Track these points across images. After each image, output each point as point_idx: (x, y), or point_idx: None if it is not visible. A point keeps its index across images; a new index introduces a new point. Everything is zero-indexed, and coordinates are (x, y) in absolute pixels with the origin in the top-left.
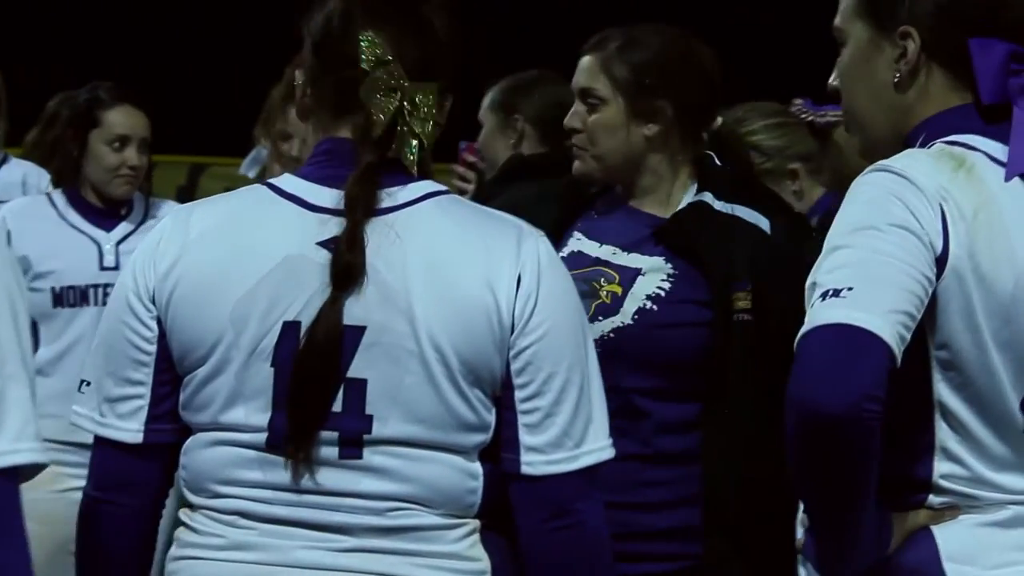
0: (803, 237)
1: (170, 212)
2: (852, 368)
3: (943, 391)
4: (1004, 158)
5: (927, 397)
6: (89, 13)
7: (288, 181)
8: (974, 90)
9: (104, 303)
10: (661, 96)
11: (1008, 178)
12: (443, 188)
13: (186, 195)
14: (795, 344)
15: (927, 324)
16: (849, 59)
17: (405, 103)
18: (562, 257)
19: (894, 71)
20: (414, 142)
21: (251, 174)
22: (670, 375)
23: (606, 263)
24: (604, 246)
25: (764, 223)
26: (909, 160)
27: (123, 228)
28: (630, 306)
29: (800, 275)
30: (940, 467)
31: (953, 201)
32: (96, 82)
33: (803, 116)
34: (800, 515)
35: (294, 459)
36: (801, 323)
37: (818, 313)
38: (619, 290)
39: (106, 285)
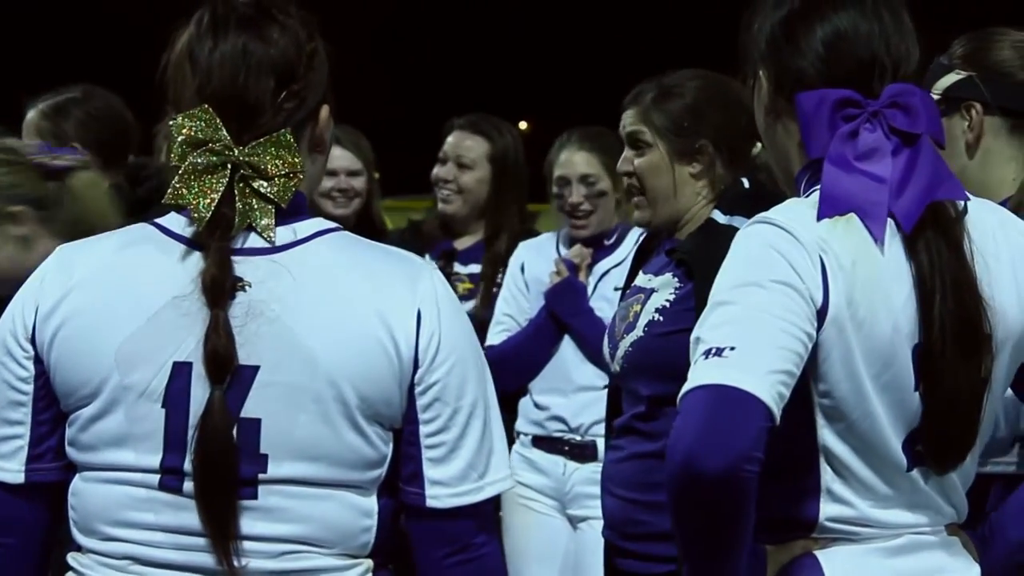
0: None
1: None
2: (731, 430)
3: (827, 436)
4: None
5: (812, 442)
6: None
7: (175, 221)
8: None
9: None
10: (701, 136)
11: (820, 217)
12: (333, 225)
13: None
14: (678, 400)
15: (810, 373)
16: (754, 98)
17: (243, 171)
18: (624, 292)
19: (763, 113)
20: (261, 206)
21: None
22: (681, 380)
23: (641, 289)
24: (645, 275)
25: None
26: (790, 212)
27: None
28: (643, 320)
29: None
30: (827, 509)
31: (832, 252)
32: None
33: (34, 159)
34: None
35: (219, 550)
36: None
37: (700, 372)
38: (639, 308)
39: None
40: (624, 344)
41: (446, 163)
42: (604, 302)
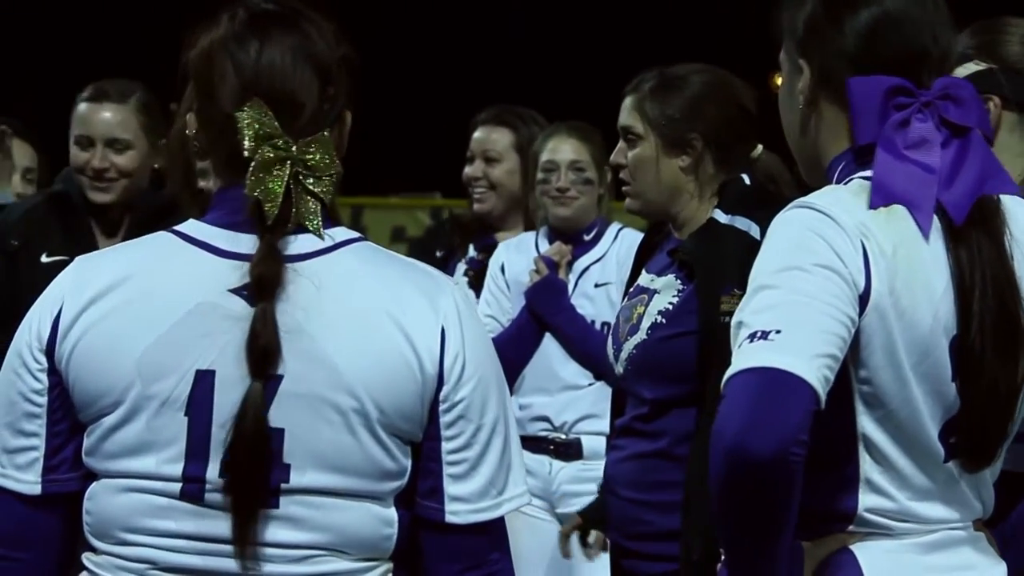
0: None
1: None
2: (780, 413)
3: (866, 424)
4: None
5: (851, 430)
6: None
7: (195, 227)
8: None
9: None
10: (692, 129)
11: (874, 206)
12: (357, 235)
13: None
14: (723, 384)
15: (850, 359)
16: (780, 85)
17: (297, 168)
18: (629, 292)
19: (799, 101)
20: (312, 204)
21: None
22: (684, 382)
23: (644, 289)
24: (648, 275)
25: (755, 230)
26: (830, 197)
27: None
28: (646, 323)
29: None
30: (865, 500)
31: (874, 238)
32: None
33: None
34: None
35: (240, 553)
36: None
37: (746, 355)
38: (643, 310)
39: None
40: (628, 346)
41: (474, 161)
42: (585, 299)
